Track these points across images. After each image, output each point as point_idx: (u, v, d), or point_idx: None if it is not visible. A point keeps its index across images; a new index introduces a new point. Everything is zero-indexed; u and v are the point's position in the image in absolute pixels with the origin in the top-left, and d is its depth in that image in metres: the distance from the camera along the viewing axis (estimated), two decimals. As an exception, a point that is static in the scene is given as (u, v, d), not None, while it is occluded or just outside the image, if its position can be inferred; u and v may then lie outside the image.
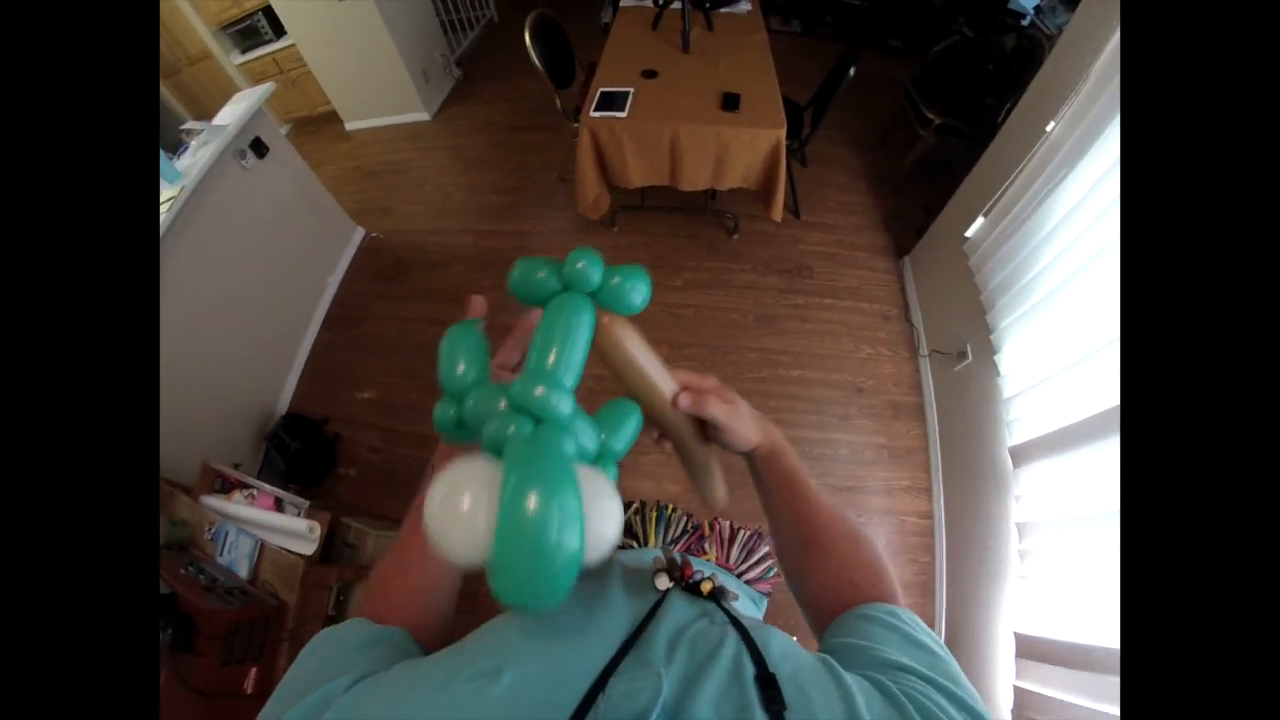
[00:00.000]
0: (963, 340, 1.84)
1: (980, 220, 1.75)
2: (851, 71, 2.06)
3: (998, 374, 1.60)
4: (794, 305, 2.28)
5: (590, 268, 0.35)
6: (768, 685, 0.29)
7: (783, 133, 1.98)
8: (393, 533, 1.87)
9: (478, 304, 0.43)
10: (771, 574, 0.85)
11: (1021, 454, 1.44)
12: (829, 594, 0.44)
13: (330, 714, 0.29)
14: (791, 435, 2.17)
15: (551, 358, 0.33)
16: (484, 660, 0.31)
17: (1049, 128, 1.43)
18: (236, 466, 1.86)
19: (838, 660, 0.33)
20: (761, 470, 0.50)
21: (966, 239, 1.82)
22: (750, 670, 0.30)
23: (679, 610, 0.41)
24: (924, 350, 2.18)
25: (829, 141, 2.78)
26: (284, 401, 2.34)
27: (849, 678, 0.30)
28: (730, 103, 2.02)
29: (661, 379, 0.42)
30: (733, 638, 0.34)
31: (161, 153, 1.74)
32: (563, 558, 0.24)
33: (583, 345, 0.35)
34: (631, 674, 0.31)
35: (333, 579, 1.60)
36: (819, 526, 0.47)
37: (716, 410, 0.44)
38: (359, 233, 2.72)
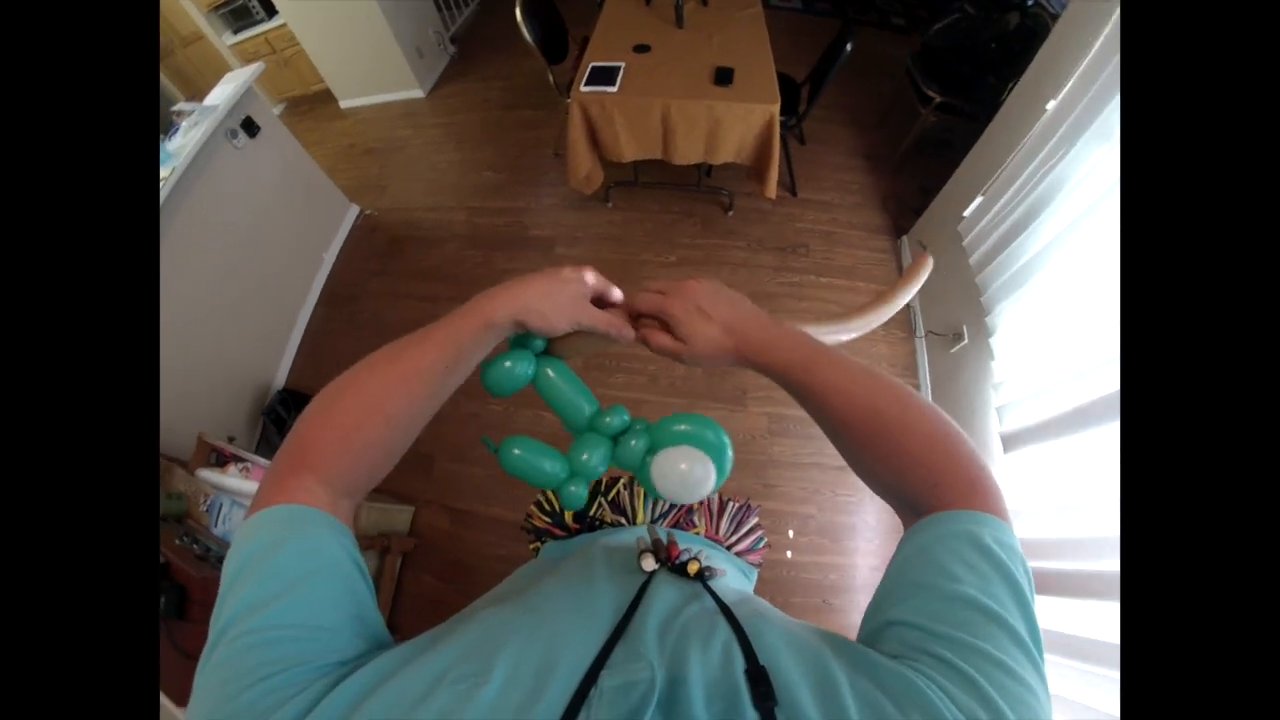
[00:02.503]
0: (959, 322, 1.82)
1: (978, 200, 1.72)
2: (849, 47, 2.02)
3: (992, 357, 1.59)
4: (789, 283, 2.27)
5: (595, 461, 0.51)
6: (758, 680, 0.28)
7: (776, 108, 1.95)
8: (387, 505, 1.90)
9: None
10: (761, 545, 0.85)
11: (1012, 440, 1.43)
12: (895, 495, 0.42)
13: None
14: (784, 414, 2.17)
15: (574, 395, 0.51)
16: (472, 659, 0.30)
17: (1049, 106, 1.41)
18: (231, 440, 1.88)
19: (880, 622, 0.32)
20: (769, 377, 0.46)
21: (963, 218, 1.79)
22: (740, 664, 0.29)
23: (667, 594, 0.40)
24: (920, 331, 2.16)
25: (828, 120, 2.74)
26: (280, 377, 2.36)
27: (845, 678, 0.27)
28: (723, 77, 2.00)
29: (628, 337, 0.50)
30: (723, 628, 0.33)
31: (152, 134, 1.75)
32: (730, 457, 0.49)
33: (572, 388, 0.51)
34: (623, 667, 0.30)
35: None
36: (851, 430, 0.41)
37: (660, 346, 0.48)
38: (353, 210, 2.72)
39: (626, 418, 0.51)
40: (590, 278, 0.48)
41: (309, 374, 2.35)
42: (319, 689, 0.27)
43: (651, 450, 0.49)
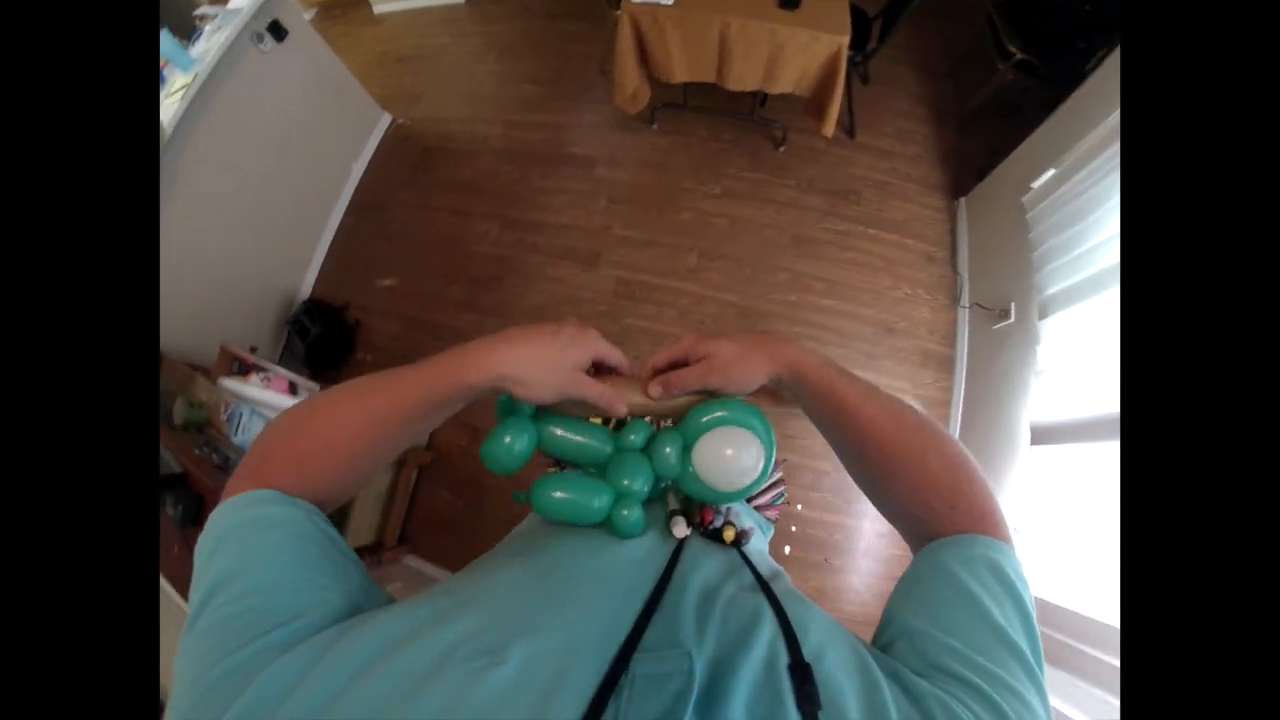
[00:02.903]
0: (1007, 298, 1.73)
1: (1050, 173, 1.60)
2: None
3: (1037, 342, 1.52)
4: (835, 230, 2.15)
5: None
6: (803, 679, 0.26)
7: (845, 40, 1.78)
8: None
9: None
10: (780, 501, 0.83)
11: (1042, 433, 1.39)
12: (907, 519, 0.42)
13: (290, 710, 0.23)
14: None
15: (587, 441, 0.47)
16: (487, 633, 0.27)
17: None
18: (253, 350, 1.91)
19: (897, 629, 0.33)
20: (792, 396, 0.46)
21: (1030, 189, 1.67)
22: (785, 658, 0.28)
23: (703, 566, 0.38)
24: (965, 301, 2.06)
25: (895, 61, 2.52)
26: (306, 287, 2.36)
27: (885, 684, 0.27)
28: (790, 1, 1.82)
29: (623, 392, 0.46)
30: (769, 617, 0.31)
31: (174, 39, 1.71)
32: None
33: (584, 435, 0.47)
34: (659, 653, 0.28)
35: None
36: (875, 446, 0.42)
37: (691, 383, 0.44)
38: (385, 119, 2.63)
39: (649, 427, 0.47)
40: (591, 346, 0.44)
41: (335, 284, 2.34)
42: (312, 648, 0.26)
43: (688, 447, 0.45)
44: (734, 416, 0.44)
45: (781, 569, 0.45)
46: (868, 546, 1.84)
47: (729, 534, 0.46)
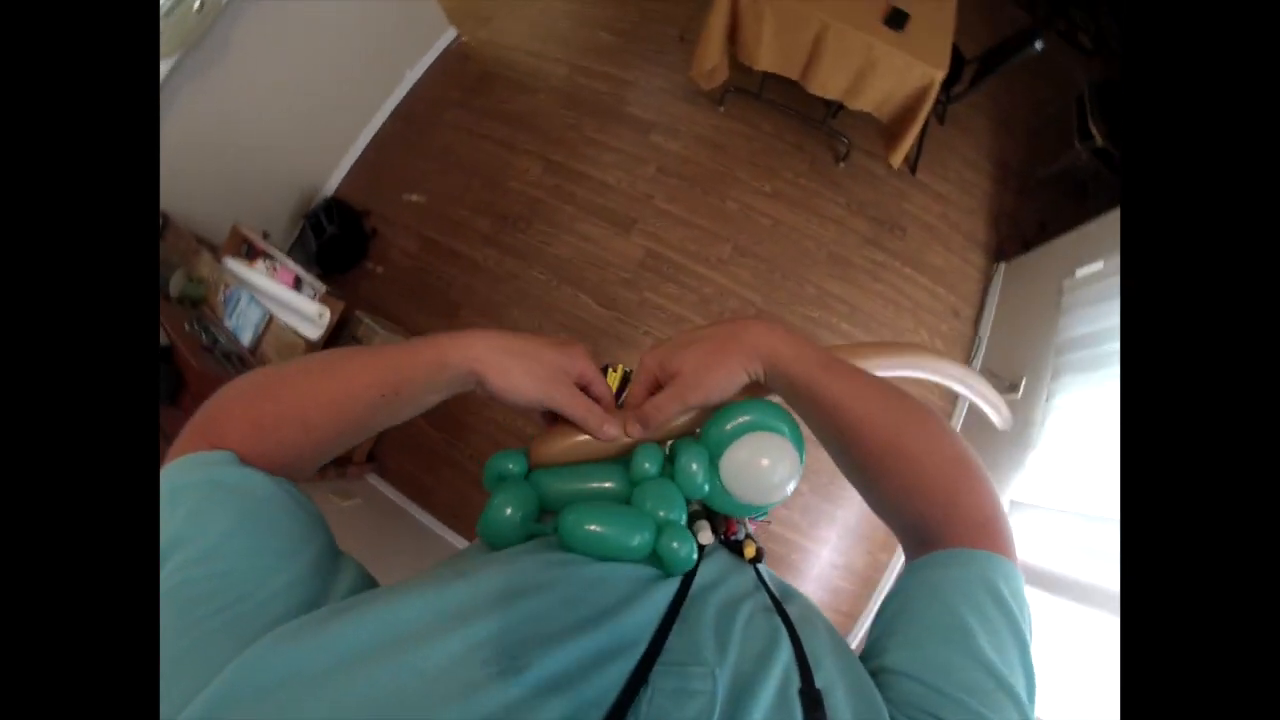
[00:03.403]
0: (1019, 373, 1.74)
1: (1098, 265, 1.59)
2: (1037, 46, 1.78)
3: (1040, 422, 1.53)
4: (872, 259, 2.13)
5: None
6: (812, 706, 0.25)
7: (940, 75, 1.74)
8: (391, 334, 1.86)
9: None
10: (761, 517, 0.80)
11: (1017, 510, 1.43)
12: (901, 524, 0.40)
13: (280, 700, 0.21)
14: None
15: (598, 486, 0.41)
16: (504, 638, 0.25)
17: None
18: (266, 235, 1.84)
19: (886, 662, 0.31)
20: (774, 390, 0.42)
21: (1074, 276, 1.67)
22: (796, 682, 0.27)
23: (722, 580, 0.36)
24: (978, 364, 2.06)
25: (977, 110, 2.48)
26: (331, 185, 2.30)
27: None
28: (897, 19, 1.76)
29: (606, 433, 0.41)
30: (785, 643, 0.30)
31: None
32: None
33: (586, 479, 0.41)
34: (680, 670, 0.27)
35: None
36: (862, 444, 0.38)
37: (669, 409, 0.40)
38: (450, 33, 2.52)
39: (660, 450, 0.41)
40: (580, 360, 0.40)
41: (361, 188, 2.28)
42: (302, 625, 0.24)
43: (714, 459, 0.40)
44: (759, 421, 0.40)
45: (794, 588, 0.42)
46: (820, 574, 1.86)
47: (750, 550, 0.43)
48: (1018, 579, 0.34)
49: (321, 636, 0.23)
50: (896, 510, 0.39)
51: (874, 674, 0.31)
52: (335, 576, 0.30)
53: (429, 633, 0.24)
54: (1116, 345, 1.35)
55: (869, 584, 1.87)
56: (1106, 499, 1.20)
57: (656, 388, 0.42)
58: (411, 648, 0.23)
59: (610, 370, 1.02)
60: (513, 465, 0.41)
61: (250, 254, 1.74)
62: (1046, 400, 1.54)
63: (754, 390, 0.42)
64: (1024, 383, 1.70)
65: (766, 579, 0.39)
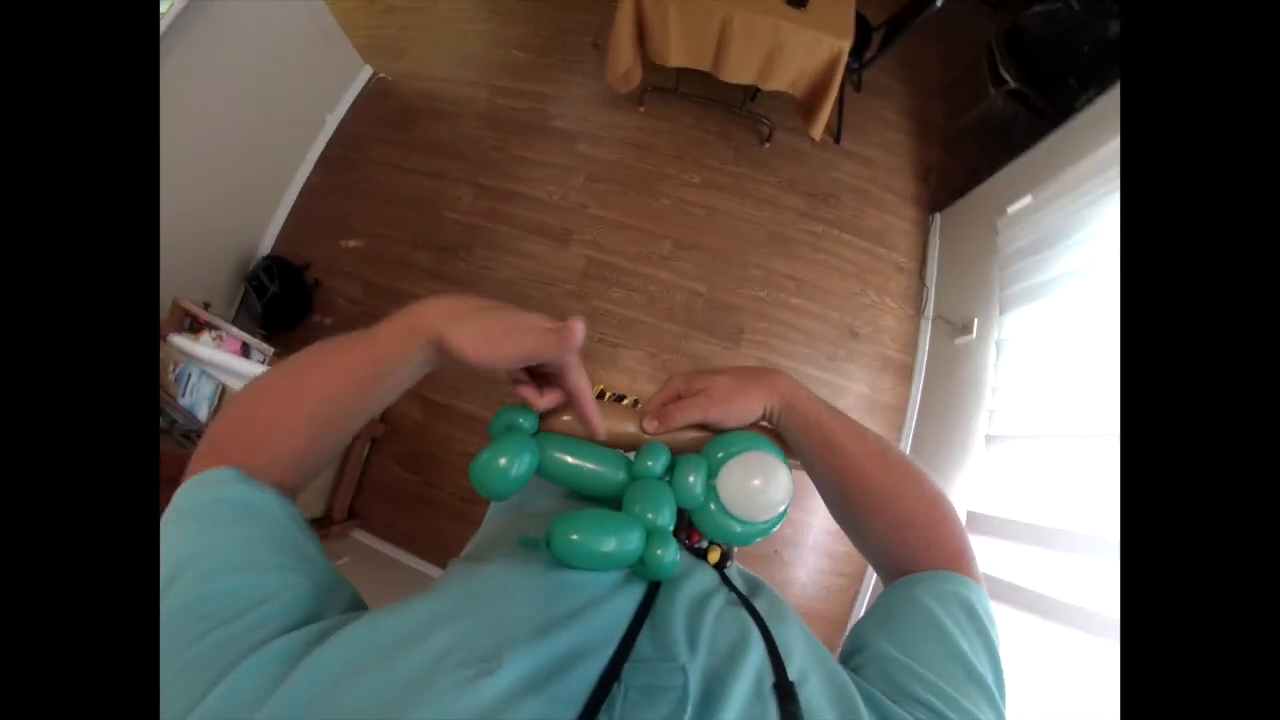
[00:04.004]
0: (970, 315, 1.79)
1: (1026, 199, 1.66)
2: (939, 3, 1.83)
3: (995, 358, 1.59)
4: (811, 232, 2.17)
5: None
6: (787, 699, 0.26)
7: (847, 45, 1.78)
8: None
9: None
10: None
11: (995, 443, 1.46)
12: (883, 555, 0.43)
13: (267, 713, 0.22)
14: (780, 361, 2.16)
15: (598, 468, 0.42)
16: (479, 639, 0.25)
17: None
18: (207, 306, 1.80)
19: (869, 654, 0.34)
20: (781, 429, 0.45)
21: (1005, 213, 1.73)
22: (770, 677, 0.28)
23: (689, 578, 0.38)
24: (929, 313, 2.12)
25: (890, 73, 2.54)
26: (267, 242, 2.25)
27: (864, 710, 0.28)
28: None
29: (616, 420, 0.43)
30: (756, 638, 0.30)
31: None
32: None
33: (595, 459, 0.42)
34: (653, 665, 0.28)
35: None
36: (858, 482, 0.42)
37: (691, 414, 0.43)
38: (366, 71, 2.50)
39: (669, 453, 0.42)
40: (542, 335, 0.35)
41: (298, 242, 2.24)
42: (288, 646, 0.24)
43: (712, 475, 0.41)
44: (758, 445, 0.42)
45: (762, 580, 0.44)
46: (815, 542, 1.89)
47: (714, 555, 0.45)
48: (987, 601, 0.37)
49: (308, 662, 0.24)
50: (881, 544, 0.43)
51: (859, 663, 0.34)
52: (333, 595, 0.31)
53: (403, 642, 0.25)
54: (1054, 273, 1.41)
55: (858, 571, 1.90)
56: (1068, 420, 1.24)
57: (678, 394, 0.44)
58: (388, 658, 0.24)
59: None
60: (523, 420, 0.40)
61: (194, 327, 1.70)
62: (998, 338, 1.60)
63: (763, 430, 0.45)
64: (975, 323, 1.76)
65: (731, 576, 0.41)
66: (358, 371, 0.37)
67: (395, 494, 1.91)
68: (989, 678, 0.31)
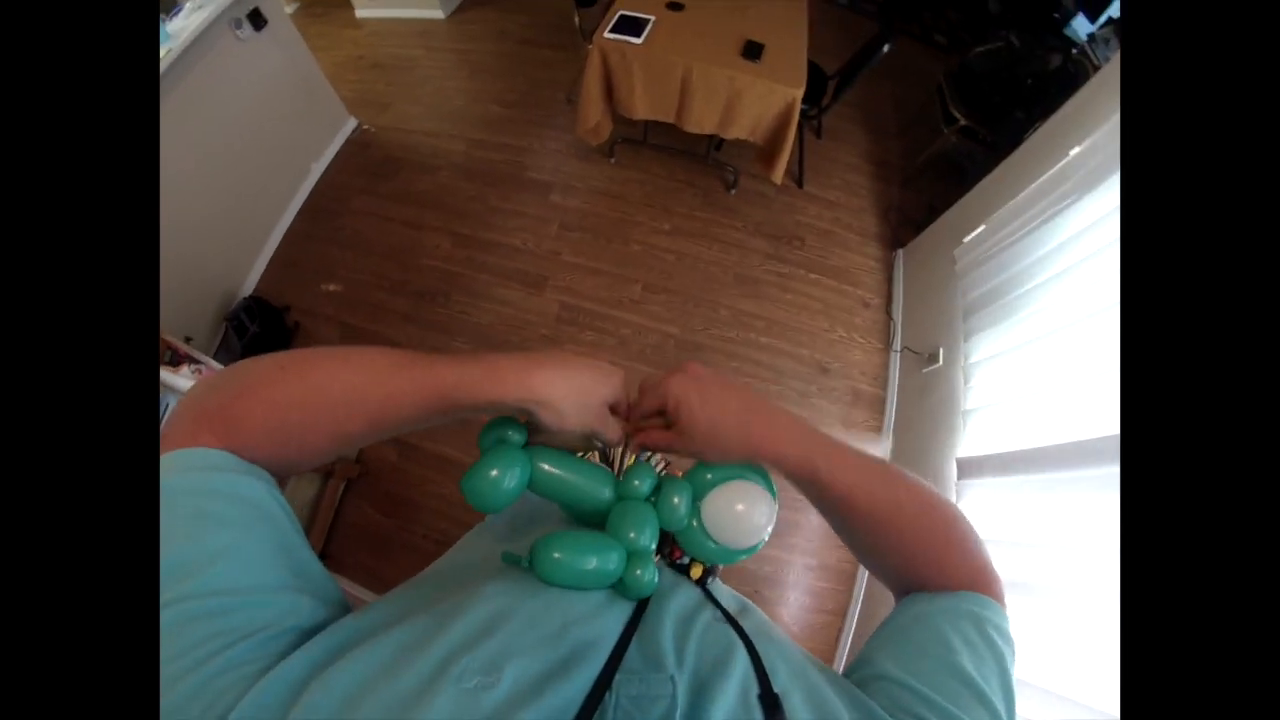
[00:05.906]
0: (936, 344, 1.84)
1: (980, 228, 1.73)
2: (885, 48, 1.97)
3: (964, 384, 1.61)
4: (777, 273, 2.25)
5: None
6: (772, 709, 0.27)
7: (799, 93, 1.90)
8: None
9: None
10: None
11: (968, 466, 1.47)
12: (897, 583, 0.43)
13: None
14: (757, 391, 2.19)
15: (586, 484, 0.43)
16: (478, 650, 0.26)
17: (1072, 152, 1.40)
18: (188, 340, 1.83)
19: (871, 670, 0.33)
20: (808, 496, 0.43)
21: (962, 243, 1.80)
22: (755, 688, 0.28)
23: (675, 593, 0.38)
24: (897, 345, 2.17)
25: (849, 119, 2.69)
26: (249, 284, 2.29)
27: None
28: (752, 51, 1.94)
29: (606, 430, 0.44)
30: (742, 652, 0.31)
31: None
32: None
33: (582, 474, 0.43)
34: (642, 676, 0.28)
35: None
36: (867, 527, 0.41)
37: (663, 448, 0.44)
38: (351, 123, 2.61)
39: (655, 474, 0.43)
40: (620, 388, 0.42)
41: (279, 284, 2.28)
42: (293, 671, 0.24)
43: (697, 498, 0.43)
44: (745, 473, 0.43)
45: (750, 602, 0.45)
46: (796, 579, 1.87)
47: (696, 571, 0.45)
48: (1004, 619, 0.36)
49: (312, 686, 0.23)
50: (897, 576, 0.43)
51: (861, 680, 0.33)
52: (326, 603, 0.30)
53: (400, 661, 0.25)
54: (1014, 295, 1.45)
55: (844, 578, 1.89)
56: (1039, 434, 1.23)
57: (662, 408, 0.43)
58: (386, 680, 0.24)
59: None
60: (513, 433, 0.41)
61: (175, 360, 1.72)
62: (966, 362, 1.62)
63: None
64: (941, 351, 1.79)
65: (716, 594, 0.42)
66: (424, 409, 0.35)
67: (369, 537, 1.89)
68: (996, 697, 0.30)
